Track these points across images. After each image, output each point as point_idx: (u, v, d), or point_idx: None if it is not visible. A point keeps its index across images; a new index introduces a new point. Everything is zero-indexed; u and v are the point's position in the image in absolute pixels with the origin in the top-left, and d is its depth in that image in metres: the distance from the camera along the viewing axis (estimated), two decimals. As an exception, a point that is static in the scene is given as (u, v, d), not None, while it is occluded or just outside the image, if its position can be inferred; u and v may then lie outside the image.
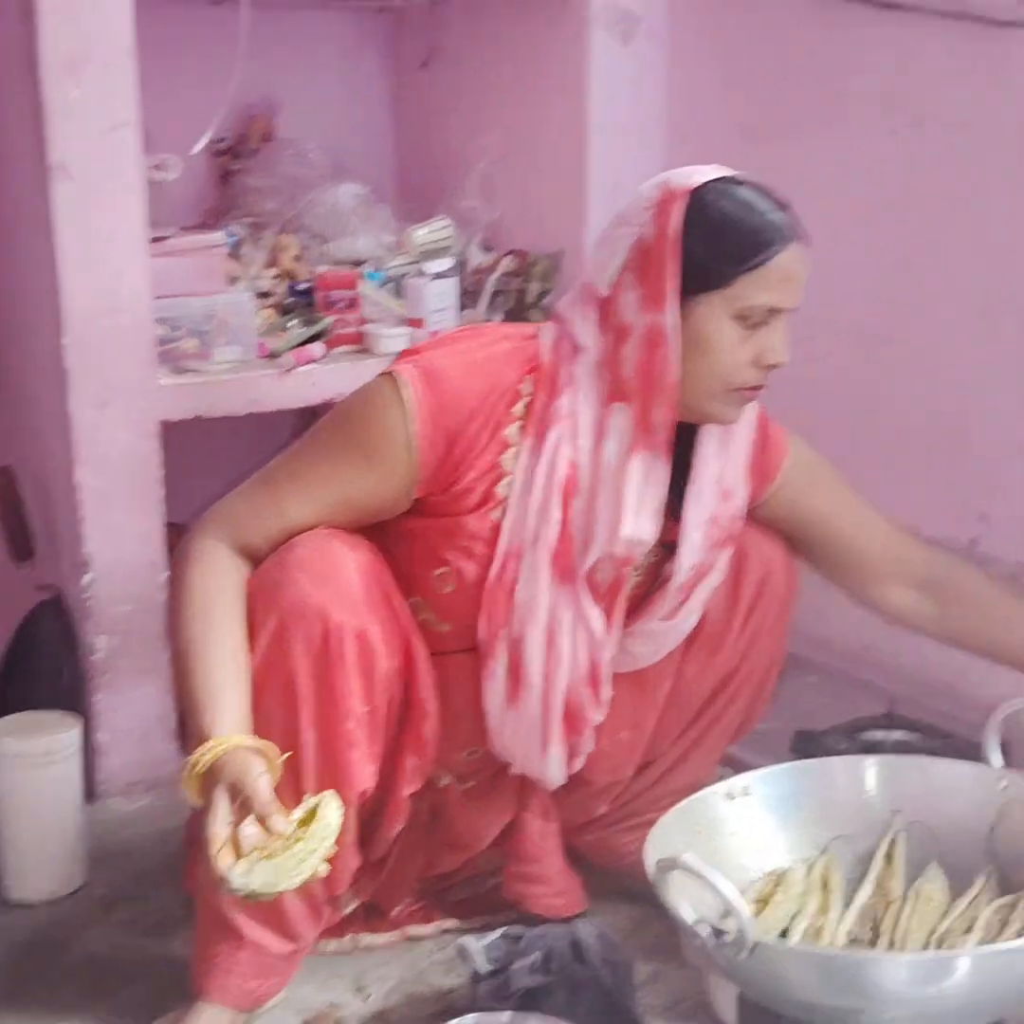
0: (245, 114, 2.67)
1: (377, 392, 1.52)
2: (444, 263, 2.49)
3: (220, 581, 1.51)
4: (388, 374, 1.52)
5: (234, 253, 2.48)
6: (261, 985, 1.57)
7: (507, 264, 2.58)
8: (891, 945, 1.47)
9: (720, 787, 1.61)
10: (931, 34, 2.12)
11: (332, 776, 1.49)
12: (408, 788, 1.63)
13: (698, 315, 1.50)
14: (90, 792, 2.05)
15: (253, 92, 2.64)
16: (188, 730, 1.46)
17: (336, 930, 1.74)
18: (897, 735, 2.01)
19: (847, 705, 2.20)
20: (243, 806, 1.34)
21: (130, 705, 2.13)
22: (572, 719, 1.61)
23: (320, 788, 1.43)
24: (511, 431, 1.54)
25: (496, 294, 2.55)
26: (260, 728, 1.45)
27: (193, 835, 1.57)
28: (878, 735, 2.01)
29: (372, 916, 1.76)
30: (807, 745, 1.98)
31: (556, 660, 1.57)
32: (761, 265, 1.49)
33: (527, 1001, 1.53)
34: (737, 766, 1.88)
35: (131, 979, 1.71)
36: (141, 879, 1.90)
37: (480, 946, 1.59)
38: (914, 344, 2.25)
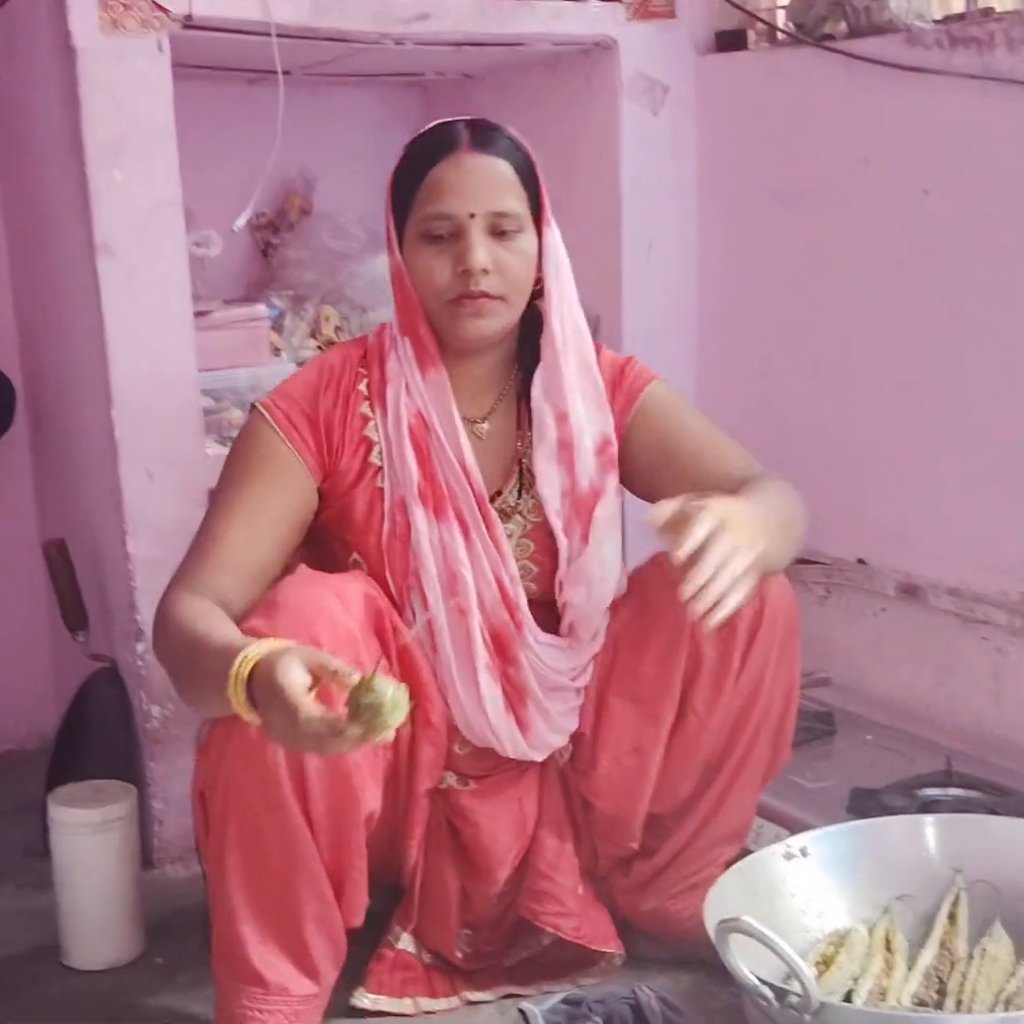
0: (283, 189, 2.73)
1: (246, 426, 1.71)
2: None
3: (199, 605, 1.54)
4: (251, 410, 1.71)
5: (277, 325, 2.53)
6: None
7: (545, 329, 2.60)
8: (958, 1005, 1.46)
9: (778, 847, 1.60)
10: (958, 95, 2.14)
11: (341, 803, 1.52)
12: (426, 782, 1.69)
13: (407, 247, 1.66)
14: (146, 860, 2.06)
15: (290, 167, 2.71)
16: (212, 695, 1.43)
17: (398, 990, 1.74)
18: (955, 792, 1.97)
19: (904, 762, 2.17)
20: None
21: (184, 773, 2.10)
22: (500, 648, 1.68)
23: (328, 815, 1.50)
24: (365, 408, 1.70)
25: (535, 360, 2.58)
26: (261, 765, 1.48)
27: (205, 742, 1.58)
28: (936, 792, 1.97)
29: (433, 978, 1.76)
30: (864, 803, 1.96)
31: (462, 588, 1.66)
32: (422, 180, 1.63)
33: (590, 1067, 1.52)
34: (794, 825, 1.87)
35: (189, 1048, 1.72)
36: (200, 947, 1.90)
37: (540, 1010, 1.58)
38: (953, 396, 2.25)
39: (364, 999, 1.75)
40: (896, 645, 2.40)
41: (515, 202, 1.64)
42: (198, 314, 2.20)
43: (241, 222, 2.45)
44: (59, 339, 2.33)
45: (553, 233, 1.70)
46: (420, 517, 1.67)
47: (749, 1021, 1.70)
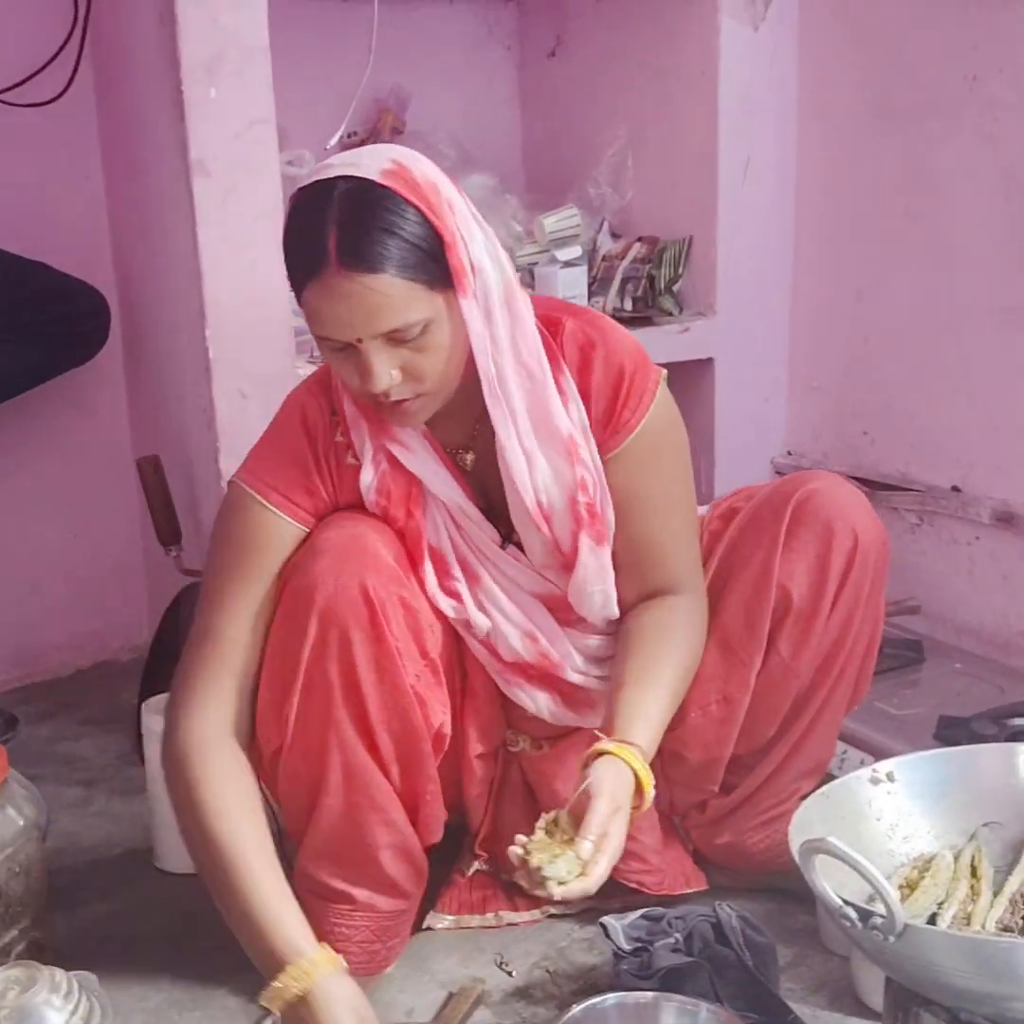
0: (376, 108, 2.71)
1: (227, 505, 1.58)
2: (573, 251, 2.51)
3: (221, 781, 1.49)
4: (229, 486, 1.58)
5: (367, 245, 2.51)
6: (383, 947, 1.64)
7: (637, 251, 2.58)
8: (1044, 933, 1.44)
9: (864, 772, 1.58)
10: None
11: (403, 725, 1.54)
12: (477, 748, 1.70)
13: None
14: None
15: (383, 86, 2.68)
16: (245, 941, 1.46)
17: (479, 906, 1.78)
18: (1045, 721, 1.96)
19: (993, 691, 2.15)
20: None
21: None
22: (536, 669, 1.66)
23: (394, 746, 1.53)
24: (350, 458, 1.58)
25: (625, 281, 2.56)
26: (320, 702, 1.50)
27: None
28: (1025, 722, 1.96)
29: (514, 894, 1.78)
30: (952, 731, 1.94)
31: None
32: (299, 298, 1.44)
33: (670, 981, 1.53)
34: (879, 752, 1.86)
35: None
36: (290, 852, 1.95)
37: (621, 925, 1.60)
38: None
39: (443, 920, 1.78)
40: (988, 573, 2.36)
41: (410, 313, 1.40)
42: (291, 233, 2.20)
43: (334, 141, 2.46)
44: (153, 257, 2.35)
45: (470, 298, 1.45)
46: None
47: (826, 943, 1.71)
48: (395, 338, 1.42)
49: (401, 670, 1.52)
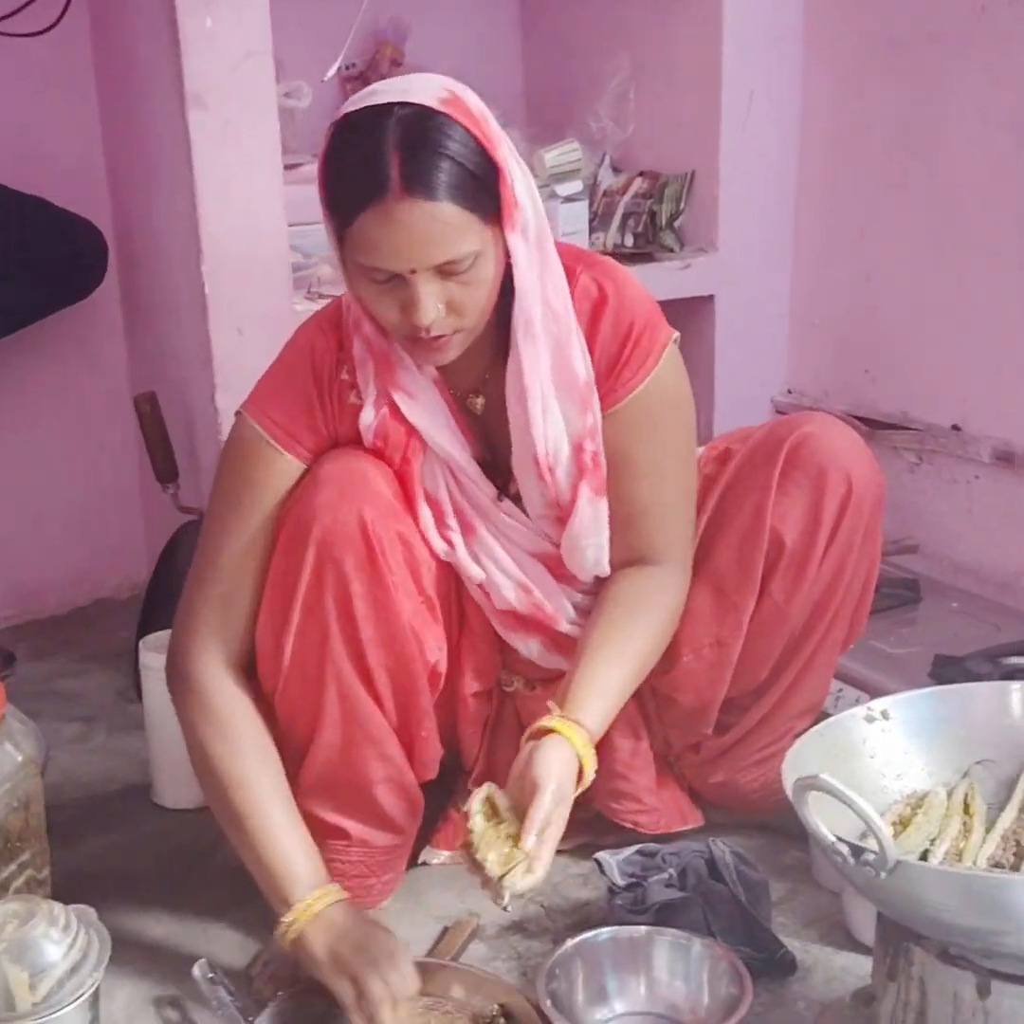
0: (374, 40, 2.67)
1: (234, 437, 1.58)
2: (574, 186, 2.48)
3: (237, 728, 1.54)
4: (236, 417, 1.58)
5: (366, 180, 2.49)
6: (377, 882, 1.66)
7: (638, 186, 2.55)
8: (1035, 869, 1.45)
9: (858, 710, 1.58)
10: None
11: (399, 661, 1.54)
12: (472, 686, 1.71)
13: (347, 262, 1.43)
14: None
15: (382, 17, 2.64)
16: (256, 875, 1.52)
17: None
18: (1041, 661, 1.96)
19: (990, 631, 2.15)
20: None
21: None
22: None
23: (390, 681, 1.54)
24: (353, 397, 1.56)
25: (627, 216, 2.53)
26: (317, 635, 1.51)
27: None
28: (1021, 661, 1.95)
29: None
30: (948, 670, 1.95)
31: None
32: (349, 223, 1.39)
33: (663, 915, 1.55)
34: (875, 690, 1.87)
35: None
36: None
37: (616, 860, 1.61)
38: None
39: (438, 855, 1.79)
40: (987, 513, 2.36)
41: (465, 244, 1.39)
42: (288, 167, 2.17)
43: (331, 73, 2.42)
44: (149, 193, 2.33)
45: (518, 233, 1.44)
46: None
47: (818, 878, 1.73)
48: (446, 270, 1.39)
49: (397, 605, 1.53)
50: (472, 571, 1.62)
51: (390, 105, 1.38)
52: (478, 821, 1.37)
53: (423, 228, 1.36)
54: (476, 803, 1.38)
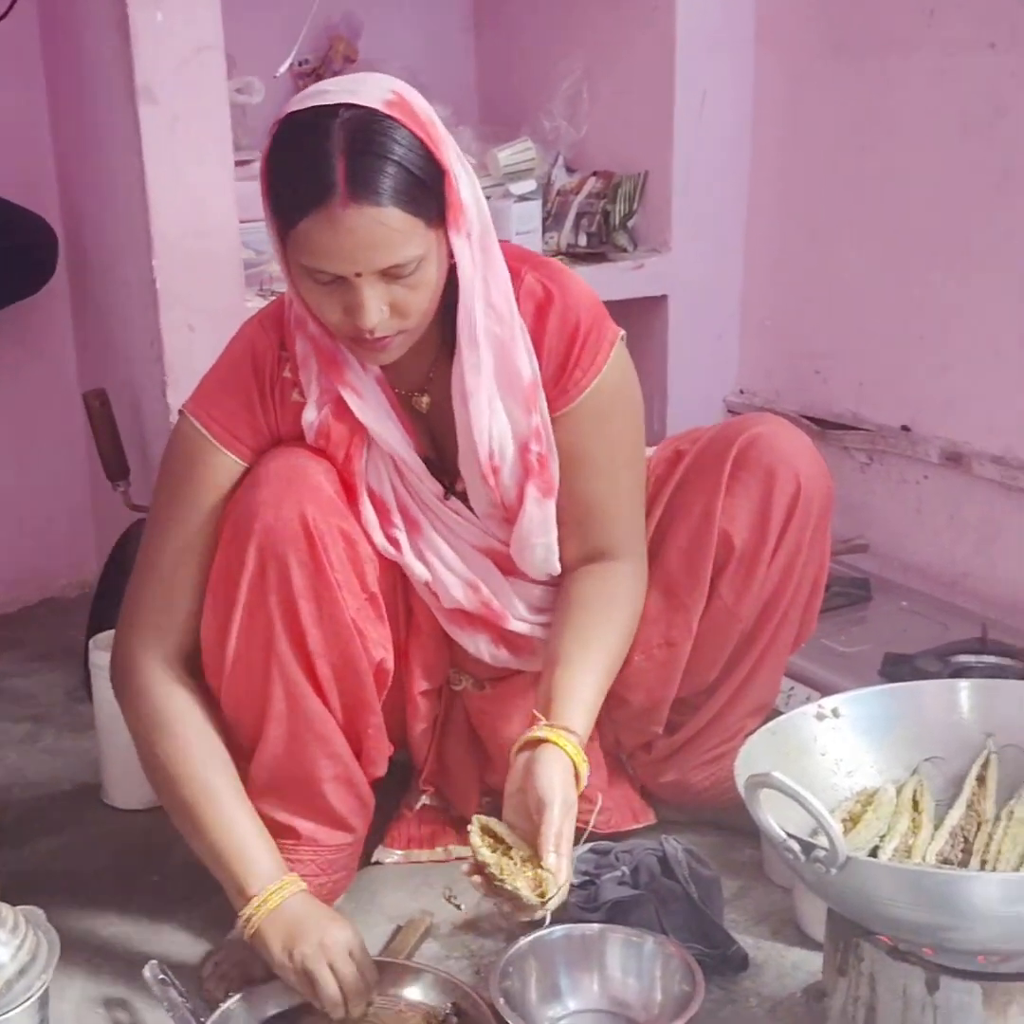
0: (327, 35, 2.66)
1: (174, 436, 1.58)
2: (528, 185, 2.48)
3: (184, 724, 1.54)
4: (178, 415, 1.57)
5: (318, 176, 2.47)
6: (328, 881, 1.65)
7: (592, 185, 2.55)
8: (982, 865, 1.47)
9: (809, 708, 1.60)
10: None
11: (343, 659, 1.54)
12: (421, 685, 1.70)
13: (290, 260, 1.43)
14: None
15: (335, 13, 2.64)
16: (214, 871, 1.52)
17: (428, 841, 1.79)
18: (990, 659, 1.97)
19: (939, 630, 2.17)
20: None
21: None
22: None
23: (336, 678, 1.54)
24: (296, 395, 1.55)
25: (580, 216, 2.54)
26: (262, 633, 1.51)
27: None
28: (970, 659, 1.97)
29: (463, 829, 1.78)
30: (897, 668, 1.97)
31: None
32: (292, 226, 1.38)
33: (616, 913, 1.55)
34: (826, 689, 1.88)
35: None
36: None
37: (569, 859, 1.61)
38: (1007, 264, 2.20)
39: (391, 855, 1.79)
40: (937, 513, 2.38)
41: (410, 248, 1.38)
42: (239, 163, 2.16)
43: (283, 69, 2.40)
44: (99, 188, 2.31)
45: (462, 236, 1.44)
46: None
47: (770, 875, 1.74)
48: (391, 274, 1.39)
49: (341, 602, 1.52)
50: (417, 571, 1.62)
51: (336, 106, 1.37)
52: (487, 854, 1.37)
53: (368, 233, 1.36)
54: (476, 837, 1.39)
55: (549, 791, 1.39)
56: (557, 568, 1.64)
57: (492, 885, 1.36)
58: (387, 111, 1.37)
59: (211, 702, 1.58)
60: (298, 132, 1.38)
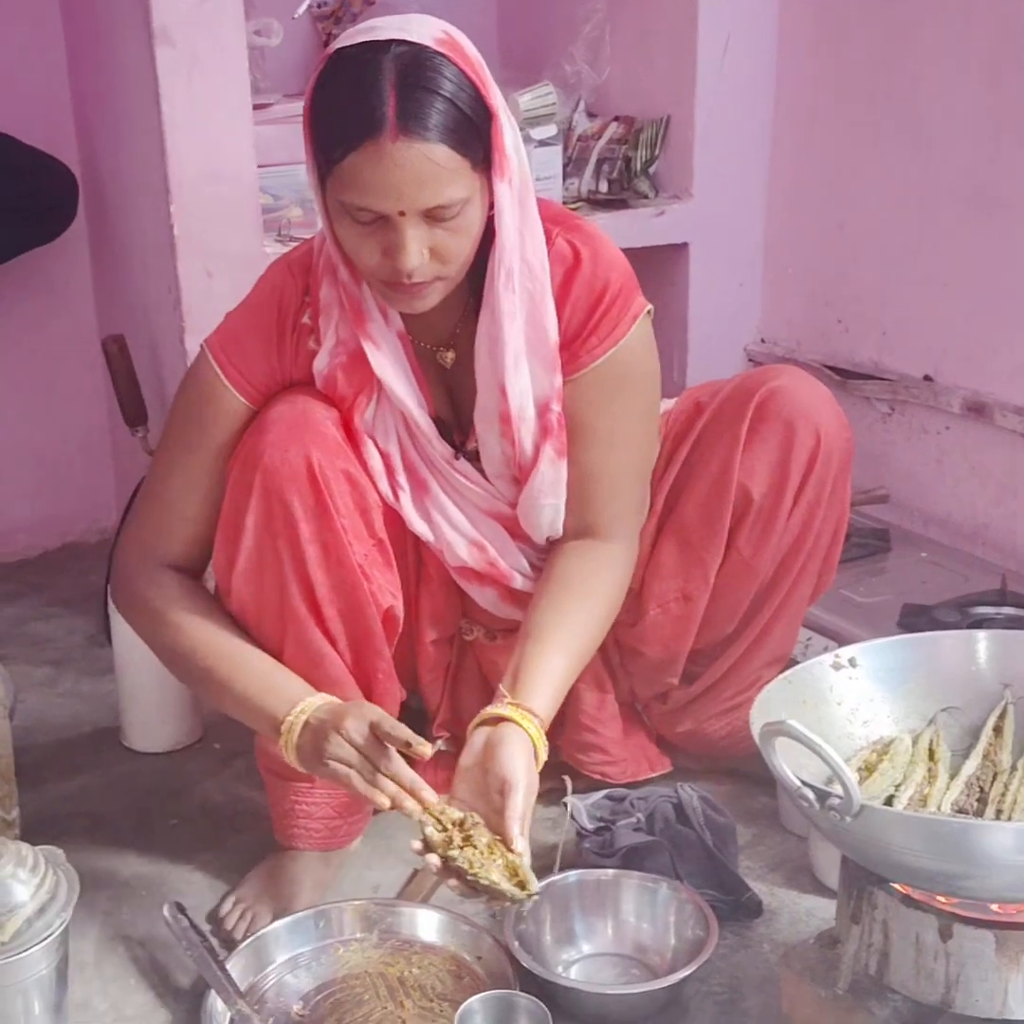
0: (347, -23, 2.63)
1: (193, 370, 1.58)
2: (548, 130, 2.45)
3: (179, 594, 1.54)
4: (200, 348, 1.57)
5: (337, 120, 2.45)
6: (344, 823, 1.65)
7: (613, 131, 2.53)
8: (998, 815, 1.47)
9: (826, 657, 1.59)
10: None
11: (351, 605, 1.53)
12: (431, 634, 1.71)
13: (329, 202, 1.41)
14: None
15: (355, -46, 2.60)
16: (251, 721, 1.51)
17: (444, 785, 1.78)
18: (1009, 611, 1.97)
19: (958, 580, 2.17)
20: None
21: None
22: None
23: (343, 623, 1.53)
24: (312, 342, 1.55)
25: (601, 162, 2.51)
26: (271, 578, 1.50)
27: None
28: (989, 611, 1.97)
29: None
30: (916, 619, 1.96)
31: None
32: (338, 160, 1.35)
33: (631, 859, 1.56)
34: (843, 639, 1.88)
35: (243, 828, 1.78)
36: (255, 734, 1.96)
37: (584, 805, 1.62)
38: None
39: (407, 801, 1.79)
40: (958, 464, 2.37)
41: (456, 189, 1.37)
42: (257, 107, 2.15)
43: (301, 10, 2.39)
44: (117, 131, 2.29)
45: (506, 183, 1.43)
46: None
47: (784, 823, 1.74)
48: (434, 215, 1.37)
49: (347, 548, 1.51)
50: (419, 527, 1.61)
51: (387, 42, 1.35)
52: (455, 852, 1.34)
53: (415, 169, 1.34)
54: (434, 833, 1.35)
55: (514, 773, 1.38)
56: (561, 531, 1.63)
57: (465, 880, 1.33)
58: (438, 49, 1.36)
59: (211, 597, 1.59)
60: (348, 66, 1.36)
